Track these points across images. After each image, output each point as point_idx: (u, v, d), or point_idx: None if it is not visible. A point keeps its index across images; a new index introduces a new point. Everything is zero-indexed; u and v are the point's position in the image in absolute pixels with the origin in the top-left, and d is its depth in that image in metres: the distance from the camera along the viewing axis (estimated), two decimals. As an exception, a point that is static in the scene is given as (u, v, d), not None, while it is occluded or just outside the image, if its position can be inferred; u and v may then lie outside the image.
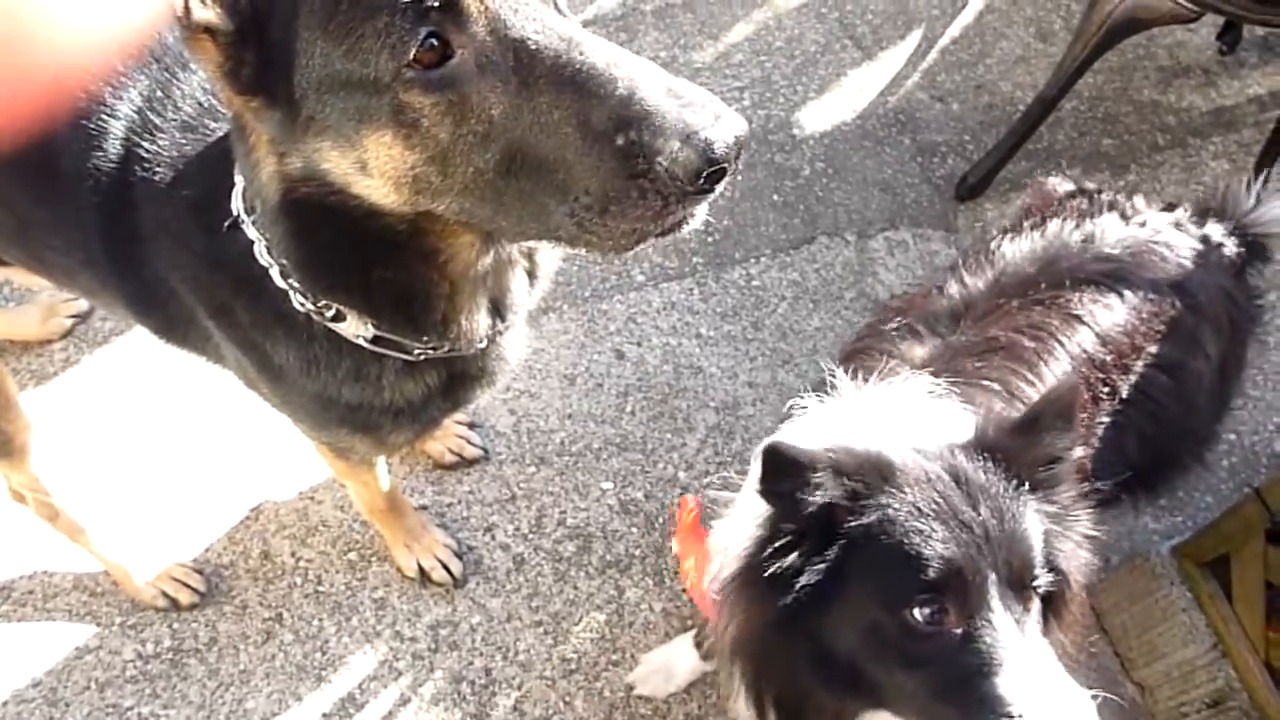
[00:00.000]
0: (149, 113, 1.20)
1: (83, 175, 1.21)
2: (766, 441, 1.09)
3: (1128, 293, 1.49)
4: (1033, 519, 1.10)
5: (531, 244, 1.13)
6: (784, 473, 1.07)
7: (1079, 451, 1.19)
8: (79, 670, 1.90)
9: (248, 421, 2.10)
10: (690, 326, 2.34)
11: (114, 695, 1.88)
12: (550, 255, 1.26)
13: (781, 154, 2.61)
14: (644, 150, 0.79)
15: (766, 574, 1.10)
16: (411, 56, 0.81)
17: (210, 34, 0.86)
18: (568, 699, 1.91)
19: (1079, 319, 1.44)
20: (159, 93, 1.21)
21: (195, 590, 1.96)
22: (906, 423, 1.21)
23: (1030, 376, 1.38)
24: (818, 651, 1.12)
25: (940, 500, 1.06)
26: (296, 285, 1.11)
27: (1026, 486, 1.11)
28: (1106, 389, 1.44)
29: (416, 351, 1.17)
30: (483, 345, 1.19)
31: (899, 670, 1.07)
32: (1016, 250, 1.57)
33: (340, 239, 1.02)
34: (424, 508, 2.08)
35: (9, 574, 1.99)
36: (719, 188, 0.82)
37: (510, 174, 0.86)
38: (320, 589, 1.99)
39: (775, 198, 2.54)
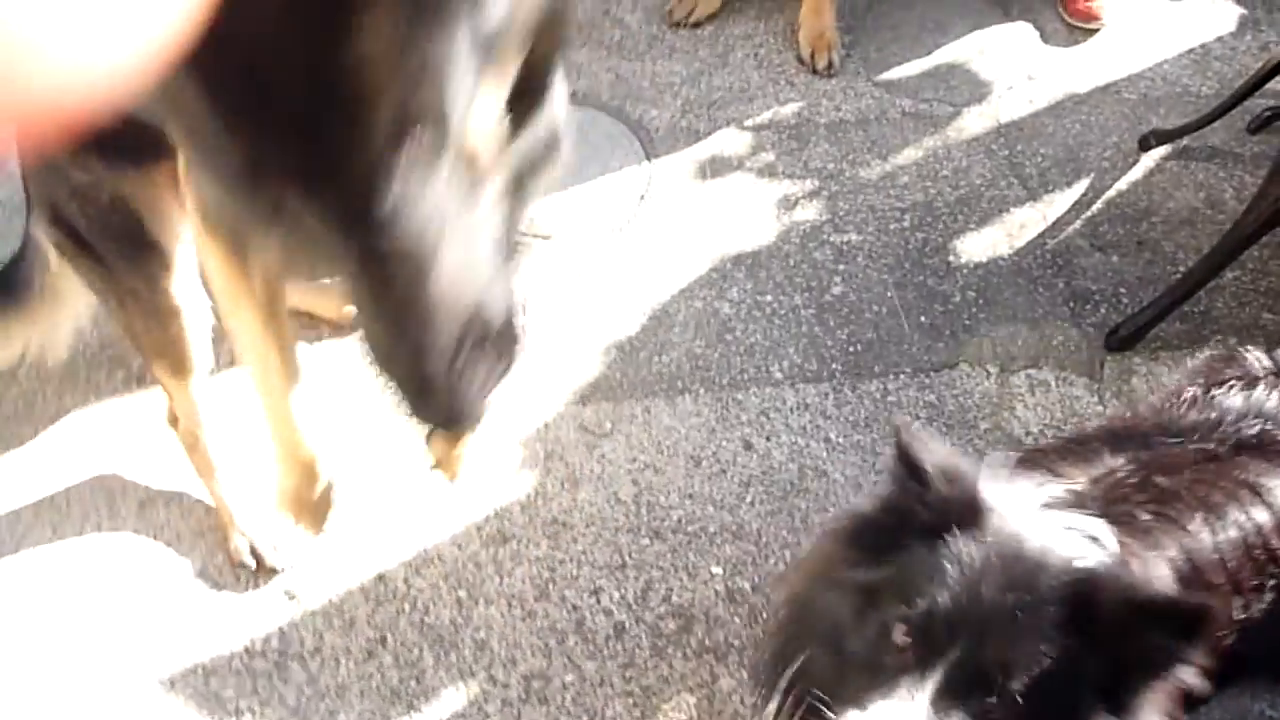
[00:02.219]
0: None
1: None
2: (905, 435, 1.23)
3: None
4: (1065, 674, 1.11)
5: None
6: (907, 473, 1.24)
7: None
8: (189, 654, 1.98)
9: (394, 453, 2.19)
10: (821, 430, 2.36)
11: (217, 684, 1.95)
12: None
13: (934, 278, 2.64)
14: None
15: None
16: None
17: None
18: (647, 774, 1.91)
19: (1260, 493, 1.39)
20: None
21: (279, 558, 2.08)
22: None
23: (1188, 535, 1.34)
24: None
25: (981, 575, 1.14)
26: None
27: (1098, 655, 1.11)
28: (1273, 576, 1.38)
29: None
30: None
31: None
32: (1207, 405, 1.55)
33: None
34: (537, 559, 2.12)
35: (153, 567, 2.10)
36: None
37: None
38: (426, 619, 2.04)
39: (923, 319, 2.56)
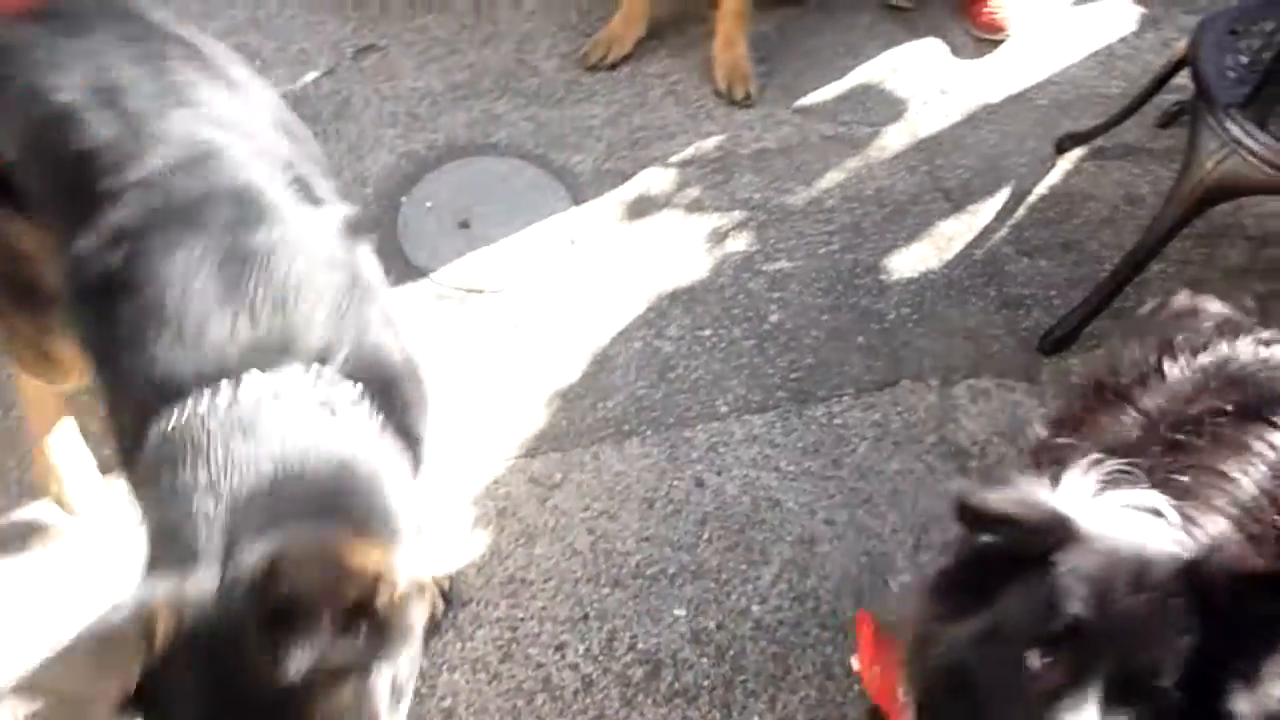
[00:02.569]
0: None
1: None
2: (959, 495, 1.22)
3: None
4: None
5: None
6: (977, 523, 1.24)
7: None
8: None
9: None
10: (770, 460, 2.36)
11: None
12: None
13: (868, 297, 2.66)
14: None
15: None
16: None
17: None
18: (627, 829, 1.88)
19: (1269, 419, 1.44)
20: None
21: None
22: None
23: (1227, 479, 1.38)
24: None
25: (1105, 584, 1.14)
26: None
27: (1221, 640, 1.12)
28: None
29: None
30: None
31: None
32: (1184, 354, 1.59)
33: None
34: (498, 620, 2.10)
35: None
36: None
37: None
38: (390, 693, 2.00)
39: (860, 339, 2.58)
